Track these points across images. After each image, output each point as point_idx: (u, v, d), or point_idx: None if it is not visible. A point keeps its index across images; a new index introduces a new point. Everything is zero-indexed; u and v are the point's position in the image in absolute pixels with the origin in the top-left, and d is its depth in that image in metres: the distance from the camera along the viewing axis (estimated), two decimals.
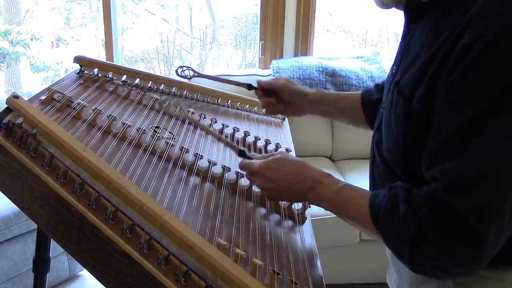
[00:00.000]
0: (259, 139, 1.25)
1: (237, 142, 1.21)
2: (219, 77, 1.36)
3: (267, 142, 1.24)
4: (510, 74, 0.65)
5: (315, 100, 1.19)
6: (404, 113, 0.78)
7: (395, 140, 0.82)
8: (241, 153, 0.97)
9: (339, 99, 1.20)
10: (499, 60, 0.65)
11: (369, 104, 1.11)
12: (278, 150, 0.97)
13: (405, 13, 0.84)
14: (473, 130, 0.67)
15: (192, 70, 1.23)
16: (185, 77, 1.22)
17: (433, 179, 0.71)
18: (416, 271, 0.73)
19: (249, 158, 0.95)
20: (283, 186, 0.87)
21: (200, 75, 1.26)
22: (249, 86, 1.26)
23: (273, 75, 2.67)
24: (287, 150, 1.26)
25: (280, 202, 0.99)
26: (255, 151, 1.20)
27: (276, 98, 1.22)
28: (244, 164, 0.94)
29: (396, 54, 0.89)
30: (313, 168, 0.88)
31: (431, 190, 0.70)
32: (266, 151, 1.21)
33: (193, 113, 1.22)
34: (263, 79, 1.26)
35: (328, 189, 0.83)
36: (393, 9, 0.86)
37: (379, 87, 1.12)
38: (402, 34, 0.88)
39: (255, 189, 0.99)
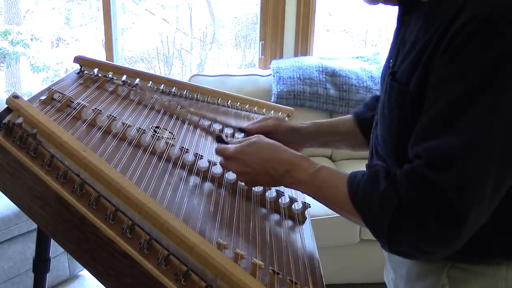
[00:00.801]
0: None
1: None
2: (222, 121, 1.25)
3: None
4: (500, 53, 0.65)
5: (311, 134, 1.15)
6: (399, 99, 0.77)
7: (388, 129, 0.81)
8: (218, 139, 0.96)
9: (333, 126, 1.16)
10: (490, 39, 0.65)
11: (365, 123, 1.08)
12: (256, 135, 0.95)
13: (399, 6, 0.84)
14: (461, 108, 0.66)
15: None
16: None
17: (417, 156, 0.70)
18: (393, 250, 0.72)
19: (226, 143, 0.95)
20: (259, 170, 0.86)
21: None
22: (240, 130, 1.18)
23: (273, 75, 2.67)
24: None
25: (280, 203, 0.99)
26: None
27: None
28: (219, 149, 0.93)
29: (391, 48, 0.89)
30: (290, 151, 0.87)
31: (413, 167, 0.69)
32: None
33: (192, 113, 1.22)
34: (250, 123, 1.19)
35: (304, 172, 0.82)
36: (389, 7, 0.85)
37: (368, 106, 1.11)
38: (396, 29, 0.87)
39: (255, 189, 0.99)
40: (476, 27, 0.65)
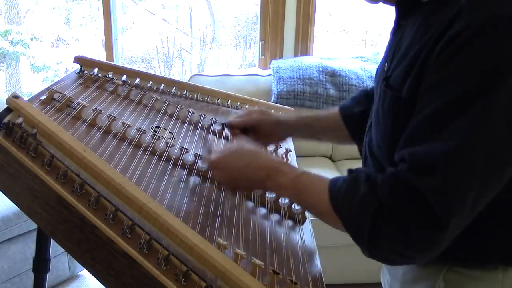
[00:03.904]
0: None
1: None
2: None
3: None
4: (492, 63, 0.65)
5: (294, 126, 1.16)
6: (392, 106, 0.77)
7: (383, 136, 0.81)
8: (206, 148, 1.01)
9: (317, 119, 1.17)
10: (483, 48, 0.65)
11: (351, 118, 1.09)
12: (238, 142, 0.97)
13: (396, 9, 0.84)
14: (449, 115, 0.66)
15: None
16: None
17: (401, 160, 0.70)
18: (373, 255, 0.71)
19: (209, 150, 0.98)
20: (240, 176, 0.88)
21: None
22: (223, 126, 1.20)
23: (273, 75, 2.67)
24: (287, 150, 1.26)
25: (280, 203, 0.99)
26: None
27: (254, 134, 1.15)
28: (204, 159, 0.97)
29: (386, 51, 0.89)
30: (270, 157, 0.88)
31: (396, 171, 0.69)
32: (265, 151, 1.21)
33: (193, 113, 1.22)
34: (234, 117, 1.21)
35: (286, 177, 0.82)
36: (389, 7, 0.85)
37: (357, 99, 1.11)
38: (392, 30, 0.87)
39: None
40: (469, 36, 0.65)
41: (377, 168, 0.86)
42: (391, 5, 0.84)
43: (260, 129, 1.16)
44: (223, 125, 1.21)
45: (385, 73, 0.83)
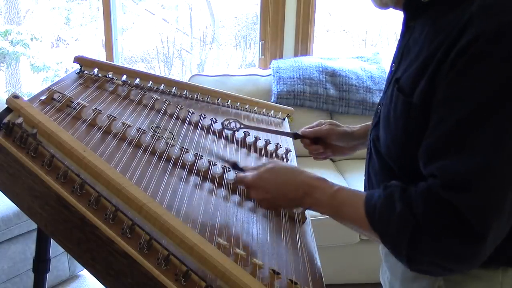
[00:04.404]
0: (259, 139, 1.25)
1: (237, 142, 1.21)
2: (265, 128, 1.34)
3: (267, 142, 1.24)
4: (506, 71, 0.65)
5: (362, 136, 1.16)
6: (404, 111, 0.77)
7: (393, 138, 0.81)
8: (234, 166, 1.00)
9: None
10: (498, 56, 0.65)
11: None
12: (272, 160, 0.98)
13: (404, 12, 0.84)
14: (472, 126, 0.66)
15: (238, 121, 1.23)
16: (231, 129, 1.21)
17: (431, 176, 0.70)
18: (413, 269, 0.73)
19: (241, 169, 0.97)
20: (278, 195, 0.88)
21: (246, 127, 1.24)
22: (295, 135, 1.24)
23: (273, 75, 2.67)
24: (287, 150, 1.26)
25: None
26: (255, 151, 1.21)
27: (323, 144, 1.20)
28: (238, 178, 0.95)
29: (395, 52, 0.89)
30: (307, 173, 0.88)
31: (428, 187, 0.70)
32: (266, 151, 1.22)
33: (193, 113, 1.22)
34: (304, 128, 1.23)
35: (323, 193, 0.83)
36: (397, 11, 0.86)
37: None
38: (401, 32, 0.87)
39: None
40: (483, 44, 0.65)
41: (382, 166, 0.87)
42: (400, 10, 0.84)
43: (329, 141, 1.19)
44: (294, 134, 1.24)
45: (394, 74, 0.83)
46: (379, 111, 0.90)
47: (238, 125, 1.23)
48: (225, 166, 1.01)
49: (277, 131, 1.33)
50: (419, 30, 0.80)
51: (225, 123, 1.22)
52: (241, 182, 0.95)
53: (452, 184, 0.67)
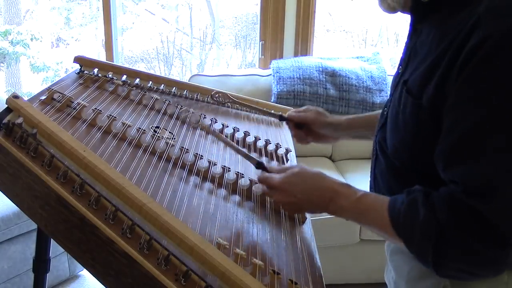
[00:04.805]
0: (259, 139, 1.25)
1: (237, 142, 1.21)
2: (252, 106, 1.38)
3: (267, 142, 1.24)
4: None
5: (346, 128, 1.19)
6: (413, 112, 0.77)
7: (402, 139, 0.81)
8: (259, 165, 0.98)
9: (370, 120, 1.16)
10: (507, 58, 0.65)
11: None
12: (298, 164, 0.97)
13: (411, 15, 0.85)
14: (487, 129, 0.66)
15: (228, 96, 1.27)
16: (220, 102, 1.26)
17: (452, 182, 0.70)
18: (441, 275, 0.72)
19: (267, 170, 0.96)
20: (303, 199, 0.88)
21: (234, 102, 1.29)
22: (281, 117, 1.29)
23: (273, 75, 2.67)
24: (287, 150, 1.26)
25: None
26: (255, 151, 1.20)
27: (306, 130, 1.24)
28: (263, 179, 0.94)
29: (403, 54, 0.89)
30: (332, 179, 0.87)
31: (451, 193, 0.69)
32: (266, 151, 1.22)
33: (193, 113, 1.22)
34: (292, 111, 1.28)
35: (347, 199, 0.83)
36: (405, 14, 0.86)
37: None
38: (408, 34, 0.88)
39: (255, 189, 0.99)
40: (492, 47, 0.65)
41: (388, 167, 0.88)
42: (408, 13, 0.84)
43: (313, 128, 1.22)
44: (280, 116, 1.29)
45: (401, 76, 0.83)
46: (385, 112, 0.90)
47: (227, 98, 1.27)
48: (225, 166, 1.01)
49: (263, 110, 1.36)
50: (426, 33, 0.80)
51: (215, 95, 1.25)
52: (265, 182, 0.93)
53: (475, 190, 0.67)
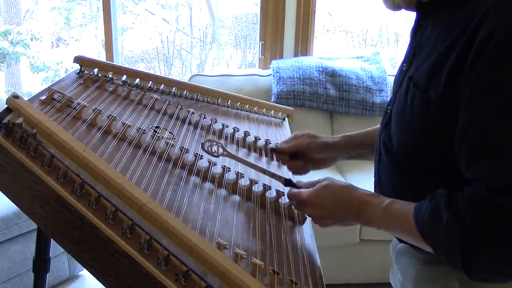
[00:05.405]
0: (259, 139, 1.25)
1: (237, 142, 1.21)
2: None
3: (267, 142, 1.24)
4: None
5: (343, 147, 1.12)
6: (421, 107, 0.77)
7: (411, 135, 0.81)
8: (287, 183, 0.98)
9: (365, 136, 1.11)
10: None
11: None
12: (327, 177, 0.94)
13: (416, 12, 0.84)
14: (507, 123, 0.65)
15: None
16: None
17: (475, 180, 0.69)
18: (475, 279, 0.70)
19: (295, 186, 0.96)
20: (333, 212, 0.88)
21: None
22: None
23: (273, 75, 2.67)
24: None
25: (280, 203, 0.99)
26: (255, 151, 1.20)
27: (303, 159, 1.12)
28: (292, 194, 0.94)
29: (407, 52, 0.89)
30: (361, 190, 0.87)
31: (474, 192, 0.68)
32: (266, 151, 1.21)
33: (193, 113, 1.22)
34: (281, 142, 1.16)
35: (376, 209, 0.83)
36: (409, 12, 0.85)
37: None
38: (412, 31, 0.87)
39: (255, 189, 0.99)
40: (503, 39, 0.64)
41: (393, 167, 0.87)
42: (412, 10, 0.84)
43: (308, 155, 1.12)
44: (271, 150, 1.17)
45: (405, 73, 0.83)
46: (389, 111, 0.90)
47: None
48: (225, 166, 1.01)
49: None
50: (431, 29, 0.80)
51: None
52: (294, 198, 0.93)
53: (499, 187, 0.65)
